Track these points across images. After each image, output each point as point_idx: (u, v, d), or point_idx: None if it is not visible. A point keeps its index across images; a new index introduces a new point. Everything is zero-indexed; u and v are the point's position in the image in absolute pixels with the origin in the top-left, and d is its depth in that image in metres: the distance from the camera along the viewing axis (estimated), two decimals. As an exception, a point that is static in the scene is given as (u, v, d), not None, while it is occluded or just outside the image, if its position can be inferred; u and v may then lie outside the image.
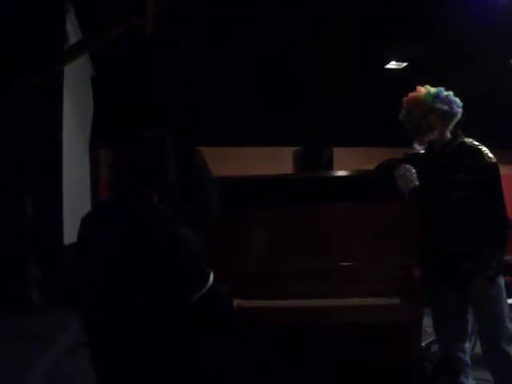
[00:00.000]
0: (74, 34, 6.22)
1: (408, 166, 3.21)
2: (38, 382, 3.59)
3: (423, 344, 3.94)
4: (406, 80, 4.92)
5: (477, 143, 3.38)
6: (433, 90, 3.37)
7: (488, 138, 3.49)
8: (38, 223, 5.57)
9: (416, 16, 6.54)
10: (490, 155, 3.31)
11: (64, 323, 4.86)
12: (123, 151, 2.42)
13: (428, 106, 3.33)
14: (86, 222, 2.36)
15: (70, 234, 5.67)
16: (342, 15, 6.48)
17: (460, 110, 3.37)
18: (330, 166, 9.87)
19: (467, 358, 3.43)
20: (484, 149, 3.34)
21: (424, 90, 3.40)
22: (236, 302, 2.67)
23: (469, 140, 3.39)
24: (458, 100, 3.38)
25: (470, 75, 7.40)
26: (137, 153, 2.37)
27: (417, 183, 3.16)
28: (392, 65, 8.62)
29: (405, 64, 8.59)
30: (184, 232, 2.20)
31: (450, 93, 3.38)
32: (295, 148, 10.09)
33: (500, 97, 7.75)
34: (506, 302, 3.36)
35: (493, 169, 3.30)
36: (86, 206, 6.96)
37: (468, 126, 3.41)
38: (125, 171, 2.38)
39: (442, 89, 3.38)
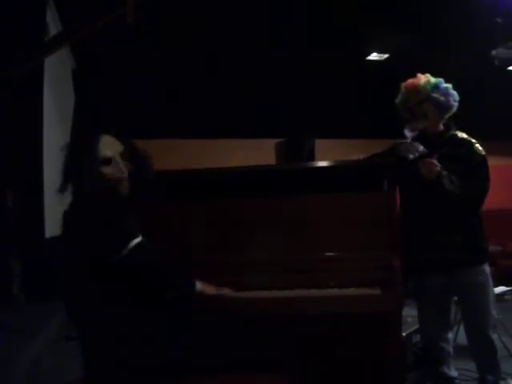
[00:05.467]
0: (53, 26, 6.16)
1: (413, 141, 3.27)
2: (21, 374, 3.57)
3: (404, 334, 3.95)
4: (387, 71, 4.92)
5: (466, 136, 3.39)
6: (433, 79, 3.37)
7: (474, 130, 3.50)
8: (19, 216, 5.52)
9: (398, 7, 6.54)
10: (480, 148, 3.33)
11: (46, 316, 4.84)
12: None
13: (425, 95, 3.33)
14: None
15: (51, 227, 5.63)
16: (323, 6, 6.47)
17: (456, 104, 3.37)
18: (312, 157, 9.88)
19: (450, 349, 3.46)
20: (474, 141, 3.36)
21: (424, 78, 3.38)
22: (222, 291, 2.69)
23: (460, 133, 3.40)
24: (455, 93, 3.37)
25: (455, 67, 7.41)
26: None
27: (417, 154, 3.19)
28: (373, 56, 8.63)
29: (386, 55, 8.60)
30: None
31: (450, 85, 3.38)
32: (277, 140, 10.11)
33: (485, 88, 7.78)
34: (492, 290, 3.39)
35: (482, 163, 3.32)
36: (66, 199, 6.91)
37: (454, 117, 3.42)
38: None
39: (442, 80, 3.37)
